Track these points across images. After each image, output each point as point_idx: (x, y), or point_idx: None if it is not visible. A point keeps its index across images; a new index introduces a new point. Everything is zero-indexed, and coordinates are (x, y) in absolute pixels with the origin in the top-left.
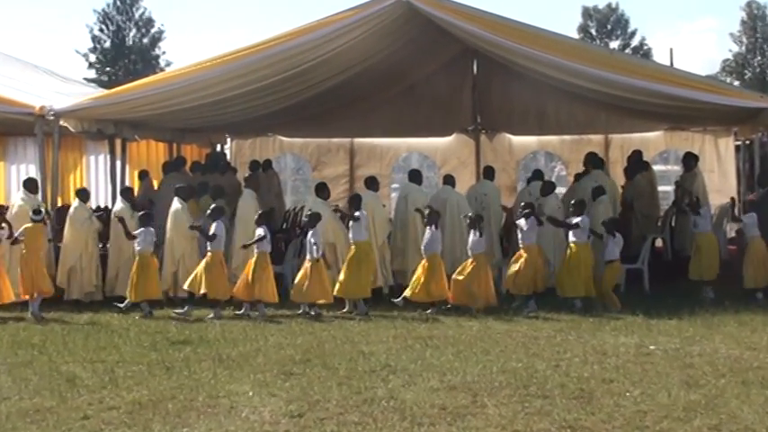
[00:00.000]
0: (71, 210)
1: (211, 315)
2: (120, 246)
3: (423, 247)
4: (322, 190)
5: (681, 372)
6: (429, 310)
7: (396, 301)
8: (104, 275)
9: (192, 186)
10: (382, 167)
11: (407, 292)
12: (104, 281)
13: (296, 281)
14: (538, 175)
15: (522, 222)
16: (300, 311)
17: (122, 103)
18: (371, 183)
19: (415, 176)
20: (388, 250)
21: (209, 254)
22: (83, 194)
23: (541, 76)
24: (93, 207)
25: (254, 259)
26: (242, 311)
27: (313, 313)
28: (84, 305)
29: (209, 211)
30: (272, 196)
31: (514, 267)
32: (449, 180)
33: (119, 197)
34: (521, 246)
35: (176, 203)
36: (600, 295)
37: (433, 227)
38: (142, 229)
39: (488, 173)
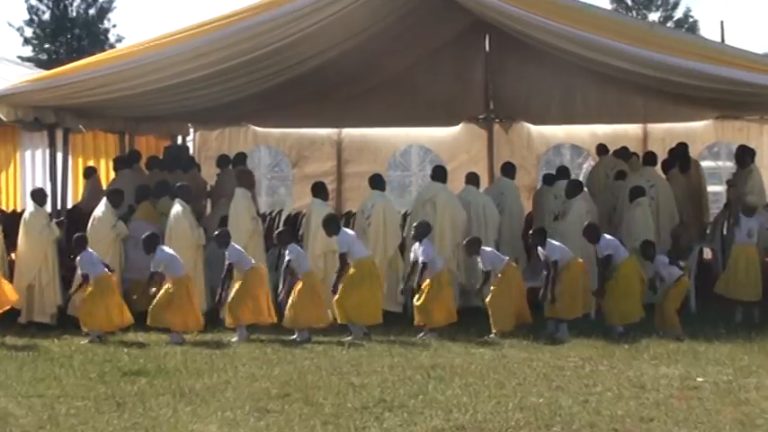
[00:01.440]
0: (26, 215)
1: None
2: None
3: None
4: (321, 190)
5: (734, 409)
6: (423, 334)
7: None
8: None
9: (148, 186)
10: (376, 164)
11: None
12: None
13: (289, 301)
14: (563, 172)
15: (540, 252)
16: (296, 337)
17: (65, 87)
18: (378, 181)
19: (440, 175)
20: (402, 263)
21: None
22: (39, 196)
23: (567, 55)
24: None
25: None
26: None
27: (350, 339)
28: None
29: (143, 241)
30: None
31: (558, 291)
32: (472, 179)
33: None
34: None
35: (102, 207)
36: (661, 318)
37: (423, 241)
38: (82, 252)
39: (508, 170)
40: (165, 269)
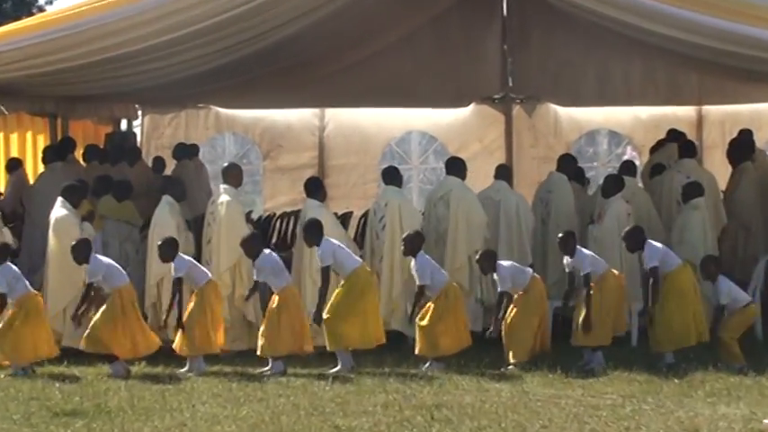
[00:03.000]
0: None
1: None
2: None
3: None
4: (317, 189)
5: None
6: (427, 365)
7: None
8: None
9: (85, 183)
10: (367, 155)
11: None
12: None
13: (263, 324)
14: (566, 163)
15: (567, 262)
16: (269, 369)
17: None
18: (392, 175)
19: (456, 168)
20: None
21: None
22: None
23: (605, 21)
24: None
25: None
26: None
27: (335, 371)
28: None
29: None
30: (204, 196)
31: (589, 312)
32: (503, 173)
33: None
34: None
35: (60, 209)
36: (720, 347)
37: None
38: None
39: (566, 163)
40: (104, 281)
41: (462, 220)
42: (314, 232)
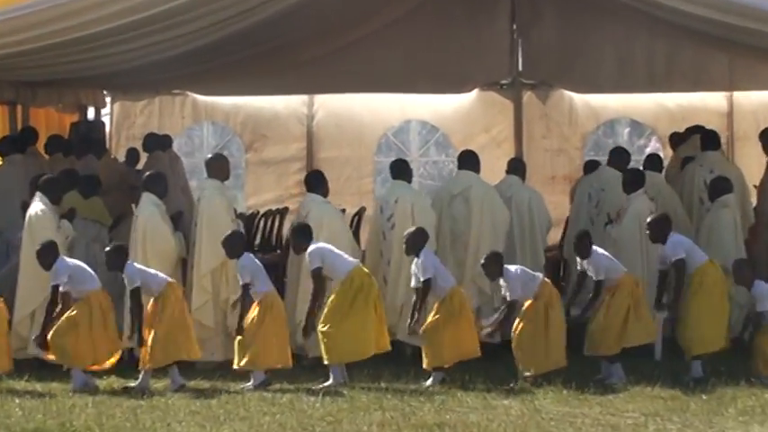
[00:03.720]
0: None
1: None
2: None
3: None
4: (319, 183)
5: None
6: (429, 381)
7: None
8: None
9: (68, 177)
10: (361, 146)
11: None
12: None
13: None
14: (619, 157)
15: (584, 265)
16: (250, 384)
17: None
18: (402, 169)
19: (470, 162)
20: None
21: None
22: None
23: None
24: None
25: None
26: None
27: (326, 385)
28: None
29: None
30: (179, 191)
31: (600, 319)
32: (516, 167)
33: None
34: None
35: (38, 204)
36: (759, 358)
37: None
38: None
39: (618, 157)
40: (72, 284)
41: (487, 218)
42: (305, 236)
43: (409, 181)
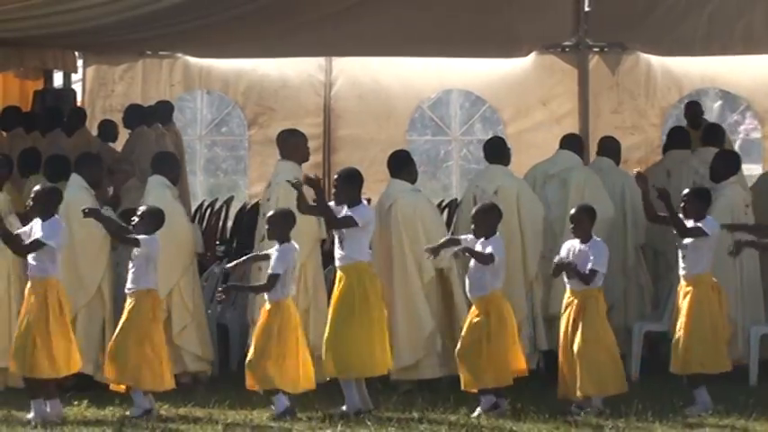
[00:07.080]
0: None
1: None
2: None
3: (467, 290)
4: (406, 166)
5: None
6: (478, 412)
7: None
8: None
9: (7, 157)
10: (390, 122)
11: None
12: None
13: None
14: (712, 135)
15: (686, 243)
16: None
17: None
18: (500, 151)
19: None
20: (458, 295)
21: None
22: None
23: None
24: None
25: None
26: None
27: (341, 411)
28: None
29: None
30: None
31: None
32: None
33: None
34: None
35: None
36: None
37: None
38: None
39: (714, 133)
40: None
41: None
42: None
43: (507, 164)
